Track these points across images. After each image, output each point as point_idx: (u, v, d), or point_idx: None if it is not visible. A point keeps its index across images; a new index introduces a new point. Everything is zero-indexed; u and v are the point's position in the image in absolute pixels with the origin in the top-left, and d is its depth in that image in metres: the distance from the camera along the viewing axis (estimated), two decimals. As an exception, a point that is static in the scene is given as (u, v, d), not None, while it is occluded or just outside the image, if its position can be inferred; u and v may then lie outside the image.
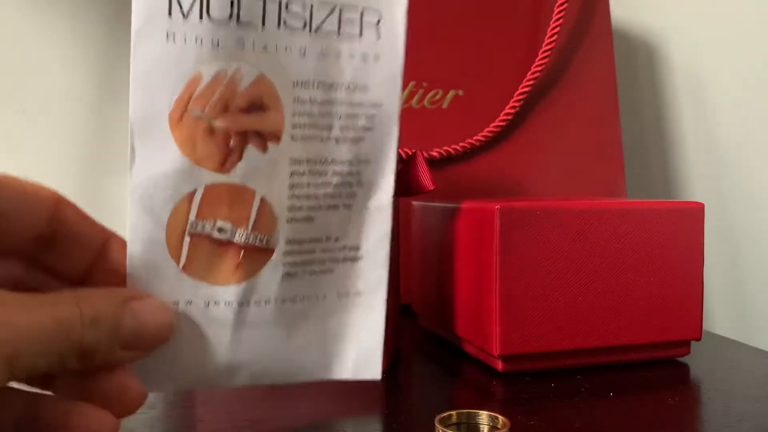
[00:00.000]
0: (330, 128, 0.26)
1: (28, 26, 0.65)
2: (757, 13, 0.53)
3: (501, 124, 0.57)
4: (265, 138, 0.25)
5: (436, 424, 0.26)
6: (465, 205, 0.39)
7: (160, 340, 0.23)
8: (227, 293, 0.25)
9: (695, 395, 0.34)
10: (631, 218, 0.37)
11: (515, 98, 0.57)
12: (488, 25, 0.59)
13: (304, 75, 0.26)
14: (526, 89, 0.57)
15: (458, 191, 0.56)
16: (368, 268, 0.28)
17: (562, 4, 0.58)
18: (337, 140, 0.27)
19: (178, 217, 0.24)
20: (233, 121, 0.24)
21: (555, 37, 0.57)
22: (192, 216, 0.25)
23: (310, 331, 0.27)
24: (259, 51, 0.25)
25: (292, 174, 0.26)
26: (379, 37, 0.27)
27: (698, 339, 0.39)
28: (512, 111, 0.57)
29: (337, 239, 0.27)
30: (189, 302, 0.25)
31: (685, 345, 0.40)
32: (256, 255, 0.26)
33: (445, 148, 0.56)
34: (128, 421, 0.30)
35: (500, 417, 0.27)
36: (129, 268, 0.24)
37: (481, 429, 0.27)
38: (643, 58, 0.69)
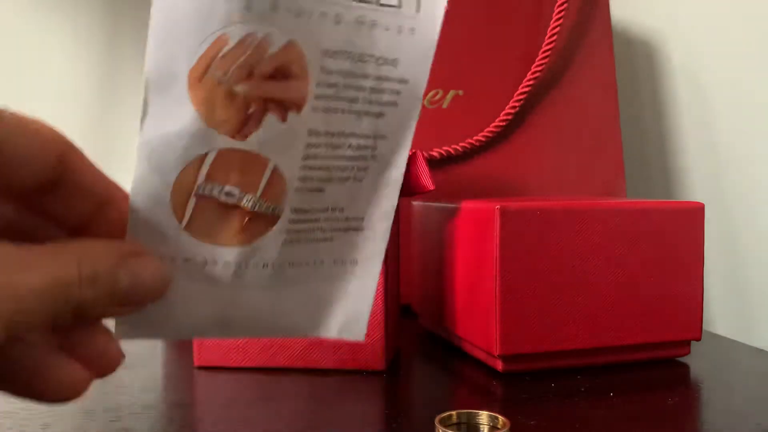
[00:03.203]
0: (353, 101, 0.26)
1: (28, 26, 0.65)
2: (757, 13, 0.53)
3: (501, 124, 0.57)
4: (286, 107, 0.24)
5: (436, 424, 0.26)
6: (465, 205, 0.39)
7: (154, 298, 0.23)
8: (227, 254, 0.25)
9: (695, 395, 0.34)
10: (631, 218, 0.37)
11: (515, 98, 0.57)
12: (488, 25, 0.59)
13: (335, 44, 0.24)
14: (526, 89, 0.57)
15: (458, 191, 0.56)
16: (369, 239, 0.28)
17: (562, 4, 0.58)
18: (359, 114, 0.26)
19: (186, 178, 0.23)
20: (256, 87, 0.23)
21: (555, 37, 0.57)
22: (200, 179, 0.24)
23: (303, 293, 0.27)
24: (293, 16, 0.23)
25: (308, 145, 0.25)
26: (418, 10, 0.26)
27: (698, 339, 0.39)
28: (512, 111, 0.57)
29: (342, 210, 0.27)
30: (187, 259, 0.24)
31: (685, 345, 0.40)
32: (261, 221, 0.25)
33: (445, 148, 0.56)
34: (128, 421, 0.30)
35: (500, 417, 0.27)
36: (130, 222, 0.23)
37: (481, 429, 0.27)
38: (643, 58, 0.69)
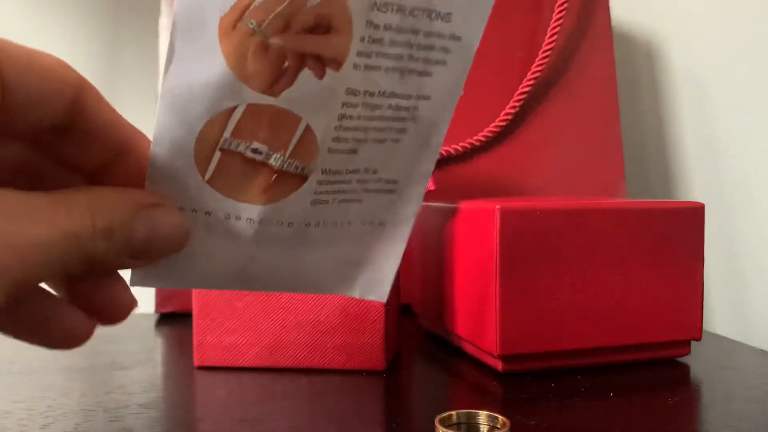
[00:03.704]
0: (399, 59, 0.23)
1: (28, 26, 0.65)
2: (757, 13, 0.53)
3: (501, 124, 0.57)
4: (324, 63, 0.22)
5: (436, 424, 0.26)
6: (465, 205, 0.39)
7: (171, 251, 0.22)
8: (251, 211, 0.23)
9: (695, 395, 0.34)
10: (631, 218, 0.37)
11: (515, 98, 0.57)
12: (488, 25, 0.59)
13: None
14: (526, 89, 0.57)
15: (458, 191, 0.56)
16: (400, 202, 0.26)
17: (562, 4, 0.58)
18: (403, 72, 0.23)
19: (212, 131, 0.22)
20: (292, 40, 0.21)
21: (555, 37, 0.57)
22: (227, 133, 0.22)
23: (328, 252, 0.26)
24: None
25: (344, 105, 0.23)
26: None
27: (698, 339, 0.39)
28: (512, 111, 0.57)
29: (375, 171, 0.25)
30: (209, 213, 0.23)
31: (685, 345, 0.40)
32: (289, 181, 0.23)
33: (445, 148, 0.56)
34: (128, 421, 0.30)
35: (500, 417, 0.27)
36: (150, 170, 0.22)
37: (481, 429, 0.27)
38: (643, 58, 0.69)
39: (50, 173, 0.22)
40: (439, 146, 0.26)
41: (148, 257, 0.21)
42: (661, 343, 0.38)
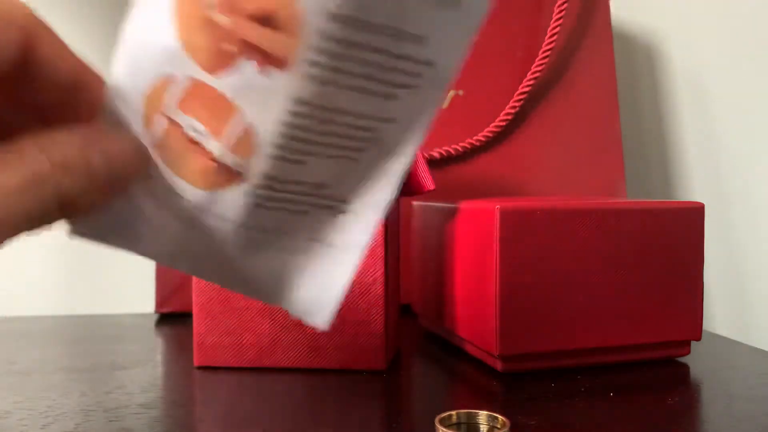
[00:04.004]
0: (358, 77, 0.22)
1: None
2: (757, 13, 0.53)
3: (501, 124, 0.57)
4: (267, 59, 0.21)
5: (436, 424, 0.26)
6: (465, 205, 0.39)
7: (135, 174, 0.22)
8: (188, 191, 0.23)
9: (695, 395, 0.34)
10: (631, 218, 0.37)
11: (515, 98, 0.57)
12: (488, 25, 0.59)
13: (347, 7, 0.20)
14: (526, 89, 0.57)
15: (458, 191, 0.56)
16: (351, 226, 0.25)
17: (562, 4, 0.58)
18: (362, 91, 0.22)
19: (158, 93, 0.22)
20: (236, 24, 0.20)
21: (555, 37, 0.57)
22: (168, 99, 0.22)
23: (269, 259, 0.26)
24: None
25: (292, 113, 0.22)
26: None
27: (698, 339, 0.39)
28: (512, 111, 0.57)
29: (325, 186, 0.25)
30: (150, 176, 0.23)
31: (685, 345, 0.40)
32: (225, 172, 0.23)
33: (445, 148, 0.56)
34: (128, 421, 0.30)
35: (500, 417, 0.27)
36: (102, 116, 0.22)
37: (481, 429, 0.27)
38: (643, 58, 0.69)
39: (5, 117, 0.22)
40: (399, 175, 0.25)
41: (115, 185, 0.21)
42: (661, 343, 0.38)
